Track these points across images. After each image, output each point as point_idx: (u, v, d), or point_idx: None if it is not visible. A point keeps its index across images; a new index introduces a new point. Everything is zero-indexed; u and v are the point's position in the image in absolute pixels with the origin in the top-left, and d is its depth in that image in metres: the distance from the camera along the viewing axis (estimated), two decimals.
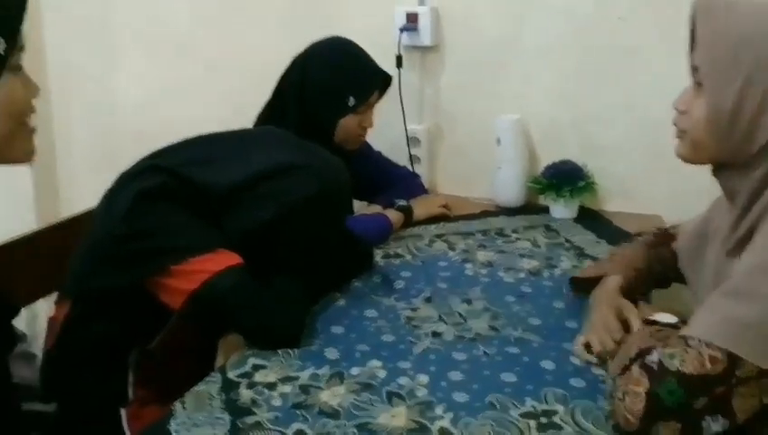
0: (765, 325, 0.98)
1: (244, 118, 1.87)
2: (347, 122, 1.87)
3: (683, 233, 1.38)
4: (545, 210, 2.06)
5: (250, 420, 1.11)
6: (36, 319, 2.09)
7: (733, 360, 0.97)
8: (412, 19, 2.16)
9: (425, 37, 2.17)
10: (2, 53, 0.96)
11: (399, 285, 1.59)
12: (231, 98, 2.41)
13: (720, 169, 1.15)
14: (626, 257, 1.47)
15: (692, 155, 1.17)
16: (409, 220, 1.96)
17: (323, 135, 1.81)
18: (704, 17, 1.11)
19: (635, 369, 1.03)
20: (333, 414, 1.12)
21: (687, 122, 1.15)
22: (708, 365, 0.98)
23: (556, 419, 1.10)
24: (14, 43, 0.98)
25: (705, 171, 1.21)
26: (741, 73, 1.06)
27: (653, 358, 1.03)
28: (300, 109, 1.84)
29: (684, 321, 1.20)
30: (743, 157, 1.09)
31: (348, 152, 1.88)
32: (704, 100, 1.11)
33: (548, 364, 1.26)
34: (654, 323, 1.21)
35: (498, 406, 1.14)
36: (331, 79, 1.84)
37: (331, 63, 1.86)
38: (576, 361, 1.26)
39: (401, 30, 2.16)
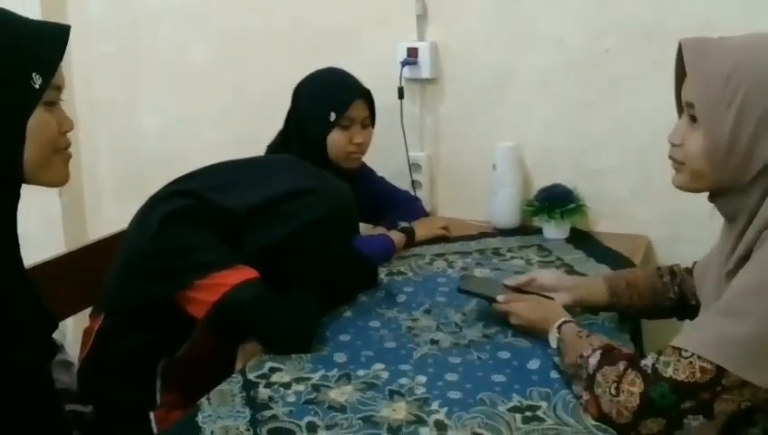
0: (752, 343, 1.10)
1: (259, 145, 2.04)
2: (334, 139, 2.01)
3: (699, 262, 1.49)
4: (539, 231, 2.19)
5: (268, 413, 1.26)
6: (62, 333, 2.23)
7: (720, 371, 1.10)
8: (413, 54, 2.32)
9: (425, 70, 2.33)
10: (37, 87, 1.07)
11: (401, 298, 1.73)
12: (246, 127, 2.58)
13: (717, 196, 1.26)
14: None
15: (691, 185, 1.27)
16: (411, 241, 2.10)
17: (321, 158, 1.95)
18: (693, 56, 1.21)
19: (627, 369, 1.17)
20: (341, 409, 1.27)
21: (683, 154, 1.25)
22: (698, 374, 1.11)
23: (539, 413, 1.24)
24: (50, 80, 1.09)
25: (690, 195, 1.31)
26: (734, 107, 1.16)
27: (647, 362, 1.17)
28: (299, 135, 2.01)
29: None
30: (739, 183, 1.20)
31: (352, 177, 2.02)
32: (700, 133, 1.20)
33: (534, 363, 1.40)
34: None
35: (488, 402, 1.27)
36: (313, 99, 2.02)
37: (314, 86, 2.04)
38: (558, 359, 1.39)
39: (403, 64, 2.32)
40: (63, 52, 1.11)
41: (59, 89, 1.14)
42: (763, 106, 1.15)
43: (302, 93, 2.05)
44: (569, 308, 1.52)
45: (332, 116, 1.99)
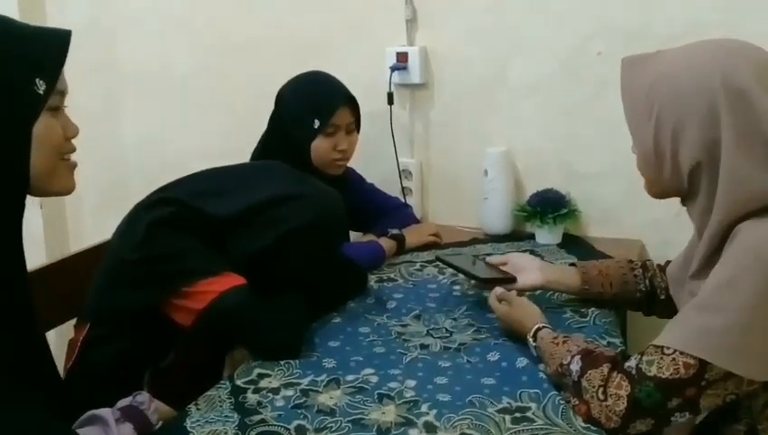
0: (731, 334, 1.11)
1: (241, 152, 2.01)
2: (318, 146, 1.98)
3: (673, 262, 1.49)
4: (531, 237, 2.18)
5: (256, 417, 1.25)
6: None
7: (703, 365, 1.11)
8: (402, 59, 2.31)
9: (414, 75, 2.31)
10: (41, 93, 1.07)
11: (391, 304, 1.72)
12: (229, 136, 2.55)
13: (683, 201, 1.29)
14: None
15: (651, 191, 1.32)
16: (402, 248, 2.08)
17: (304, 164, 1.93)
18: (625, 73, 1.28)
19: (612, 372, 1.18)
20: (330, 412, 1.26)
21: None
22: (682, 370, 1.12)
23: (529, 414, 1.23)
24: (53, 85, 1.09)
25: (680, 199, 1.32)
26: (653, 118, 1.21)
27: (631, 364, 1.17)
28: (282, 140, 1.99)
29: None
30: (683, 190, 1.24)
31: (342, 184, 1.99)
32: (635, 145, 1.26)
33: (522, 362, 1.40)
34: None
35: (477, 404, 1.27)
36: (297, 105, 1.99)
37: (297, 92, 2.02)
38: (542, 366, 1.38)
39: (392, 69, 2.31)
40: (65, 56, 1.11)
41: (62, 94, 1.14)
42: (677, 117, 1.19)
43: (286, 98, 2.03)
44: (554, 312, 1.53)
45: (317, 123, 1.96)
